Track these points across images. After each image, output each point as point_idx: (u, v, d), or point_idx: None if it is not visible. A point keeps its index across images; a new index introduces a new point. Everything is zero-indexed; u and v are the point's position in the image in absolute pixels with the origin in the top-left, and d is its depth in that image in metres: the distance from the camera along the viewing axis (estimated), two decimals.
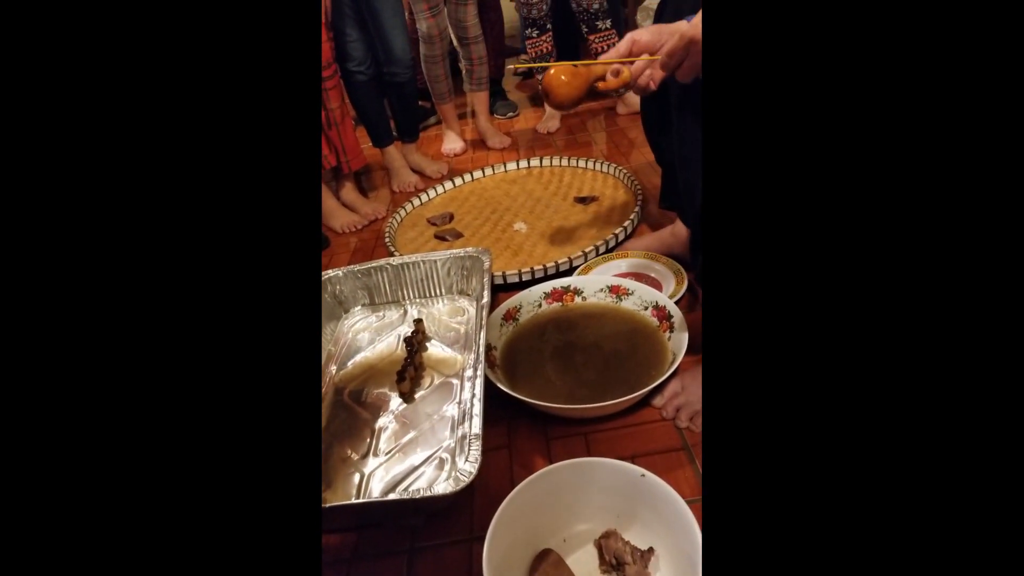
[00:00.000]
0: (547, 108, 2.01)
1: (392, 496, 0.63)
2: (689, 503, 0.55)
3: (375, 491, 0.68)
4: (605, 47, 1.87)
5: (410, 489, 0.67)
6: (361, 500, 0.65)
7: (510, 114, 2.18)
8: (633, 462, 0.69)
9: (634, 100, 1.89)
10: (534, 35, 1.91)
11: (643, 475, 0.58)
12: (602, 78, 0.75)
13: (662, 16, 0.80)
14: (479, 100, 1.87)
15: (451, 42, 1.77)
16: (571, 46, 2.23)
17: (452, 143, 1.90)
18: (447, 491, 0.57)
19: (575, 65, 0.76)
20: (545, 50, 1.93)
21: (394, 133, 1.70)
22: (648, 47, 0.67)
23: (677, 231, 1.05)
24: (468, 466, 0.59)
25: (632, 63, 0.70)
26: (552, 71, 0.77)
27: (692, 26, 0.54)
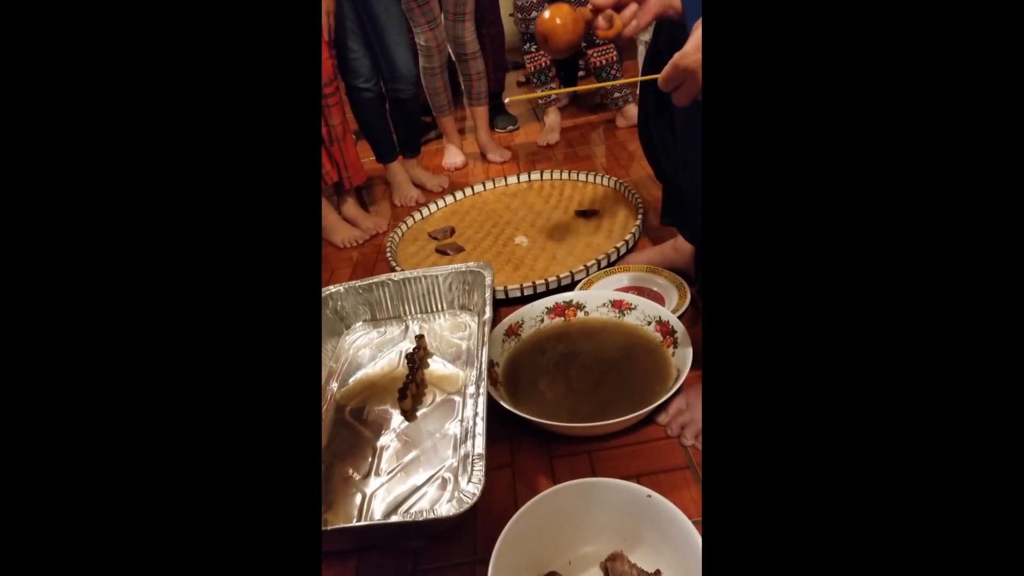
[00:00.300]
0: (546, 121, 2.01)
1: (394, 518, 0.62)
2: (696, 523, 0.54)
3: (377, 512, 0.67)
4: (604, 61, 1.88)
5: (412, 510, 0.66)
6: (362, 523, 0.64)
7: (510, 127, 2.19)
8: (638, 481, 0.68)
9: (633, 113, 1.89)
10: (533, 49, 1.93)
11: (649, 495, 0.57)
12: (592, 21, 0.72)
13: (659, 33, 0.80)
14: (479, 115, 1.88)
15: (450, 56, 1.78)
16: (570, 60, 2.24)
17: (453, 157, 1.90)
18: (450, 513, 0.56)
19: (572, 7, 0.72)
20: (544, 64, 1.94)
21: (396, 148, 1.71)
22: None
23: (679, 245, 1.04)
24: (471, 487, 0.58)
25: (621, 12, 0.70)
26: (547, 15, 0.72)
27: (682, 55, 0.54)
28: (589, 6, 0.70)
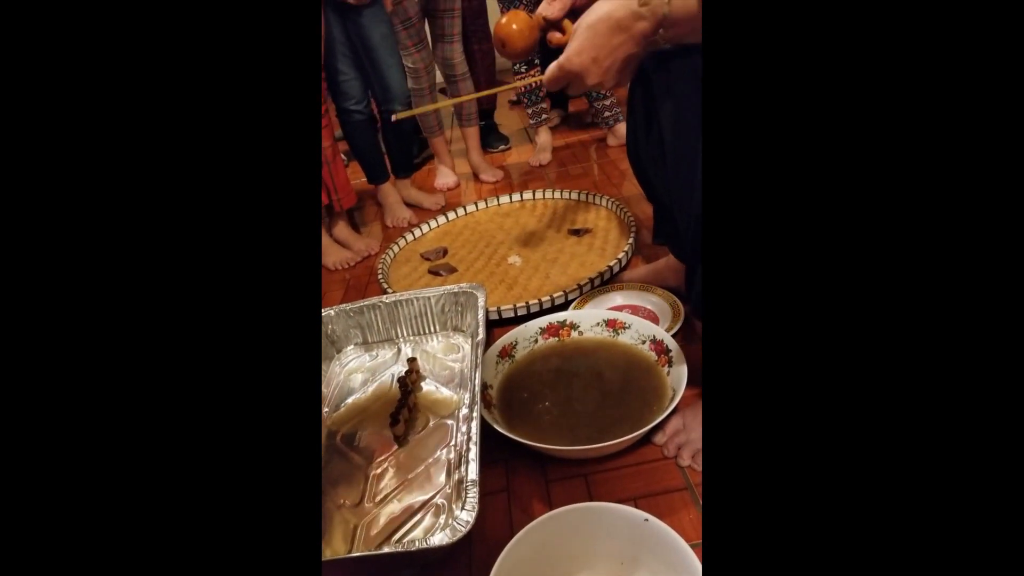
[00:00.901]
0: (538, 141, 2.03)
1: (386, 549, 0.60)
2: (694, 547, 0.53)
3: (369, 541, 0.66)
4: None
5: (405, 540, 0.65)
6: (354, 554, 0.62)
7: (502, 147, 2.20)
8: (635, 504, 0.67)
9: (623, 132, 1.90)
10: (523, 70, 1.94)
11: (646, 519, 0.56)
12: (547, 29, 0.75)
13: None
14: (470, 135, 1.89)
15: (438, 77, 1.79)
16: None
17: (445, 177, 1.91)
18: (443, 542, 0.55)
19: (529, 14, 0.75)
20: (534, 84, 1.96)
21: (387, 169, 1.71)
22: None
23: (672, 262, 1.04)
24: (465, 515, 0.56)
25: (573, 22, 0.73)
26: (503, 20, 0.75)
27: (566, 59, 0.60)
28: (539, 17, 0.74)
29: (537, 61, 1.93)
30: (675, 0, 0.51)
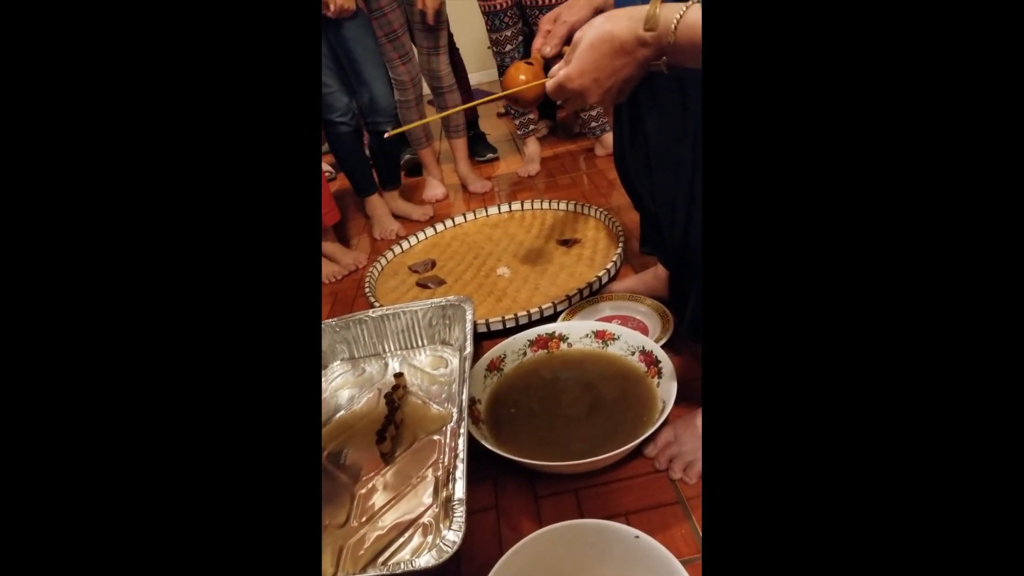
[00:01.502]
0: (526, 152, 2.02)
1: (372, 572, 0.59)
2: (686, 563, 0.52)
3: (356, 562, 0.64)
4: None
5: (391, 562, 0.63)
6: None
7: (490, 156, 2.20)
8: (627, 520, 0.66)
9: (611, 141, 1.91)
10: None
11: (637, 536, 0.54)
12: (549, 64, 0.74)
13: None
14: (458, 147, 1.88)
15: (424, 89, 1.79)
16: None
17: (433, 189, 1.90)
18: (430, 564, 0.53)
19: (529, 63, 0.75)
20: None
21: (375, 181, 1.70)
22: (582, 23, 0.70)
23: (660, 273, 1.04)
24: (452, 535, 0.55)
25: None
26: (510, 73, 0.75)
27: (567, 79, 0.59)
28: (538, 55, 0.73)
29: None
30: (681, 29, 0.51)
